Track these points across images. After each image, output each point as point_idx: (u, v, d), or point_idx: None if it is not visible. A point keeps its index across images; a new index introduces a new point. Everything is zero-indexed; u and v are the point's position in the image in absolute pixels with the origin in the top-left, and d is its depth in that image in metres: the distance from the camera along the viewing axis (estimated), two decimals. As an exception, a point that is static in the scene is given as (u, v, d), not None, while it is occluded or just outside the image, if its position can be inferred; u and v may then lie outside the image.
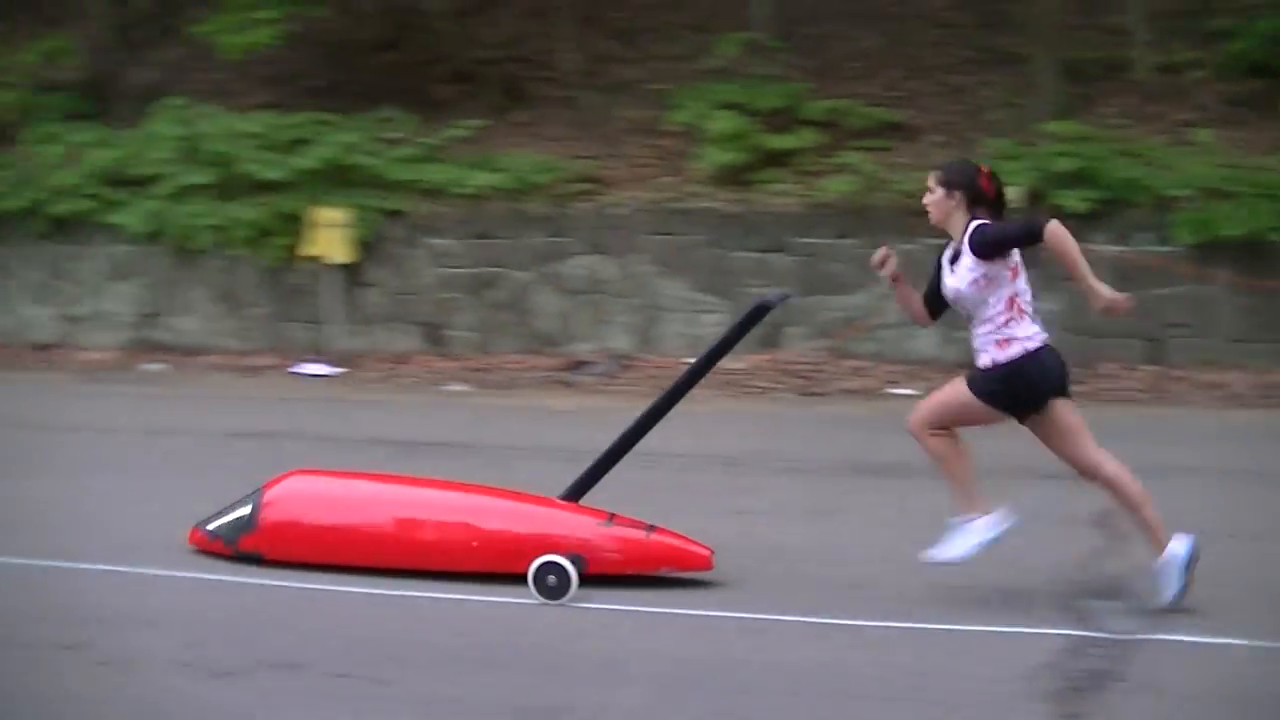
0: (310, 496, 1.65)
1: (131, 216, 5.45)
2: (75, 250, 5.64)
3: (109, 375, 5.34)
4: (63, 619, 1.90)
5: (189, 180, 5.37)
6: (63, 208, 5.55)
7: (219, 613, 1.93)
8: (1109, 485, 1.28)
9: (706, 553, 1.53)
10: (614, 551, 1.42)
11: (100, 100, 6.22)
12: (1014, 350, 1.31)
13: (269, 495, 1.65)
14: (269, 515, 1.61)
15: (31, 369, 5.48)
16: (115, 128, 5.78)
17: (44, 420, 2.74)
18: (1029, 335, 1.32)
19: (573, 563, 1.37)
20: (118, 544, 2.19)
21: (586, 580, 1.44)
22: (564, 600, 1.45)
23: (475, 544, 1.40)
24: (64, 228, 5.61)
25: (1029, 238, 1.25)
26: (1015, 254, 1.37)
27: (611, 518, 1.52)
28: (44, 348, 5.71)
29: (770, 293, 2.18)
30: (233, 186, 5.34)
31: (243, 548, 1.65)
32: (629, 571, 1.46)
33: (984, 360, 1.27)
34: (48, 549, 2.15)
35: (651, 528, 1.53)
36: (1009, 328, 1.25)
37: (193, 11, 6.11)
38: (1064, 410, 1.29)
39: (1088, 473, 1.28)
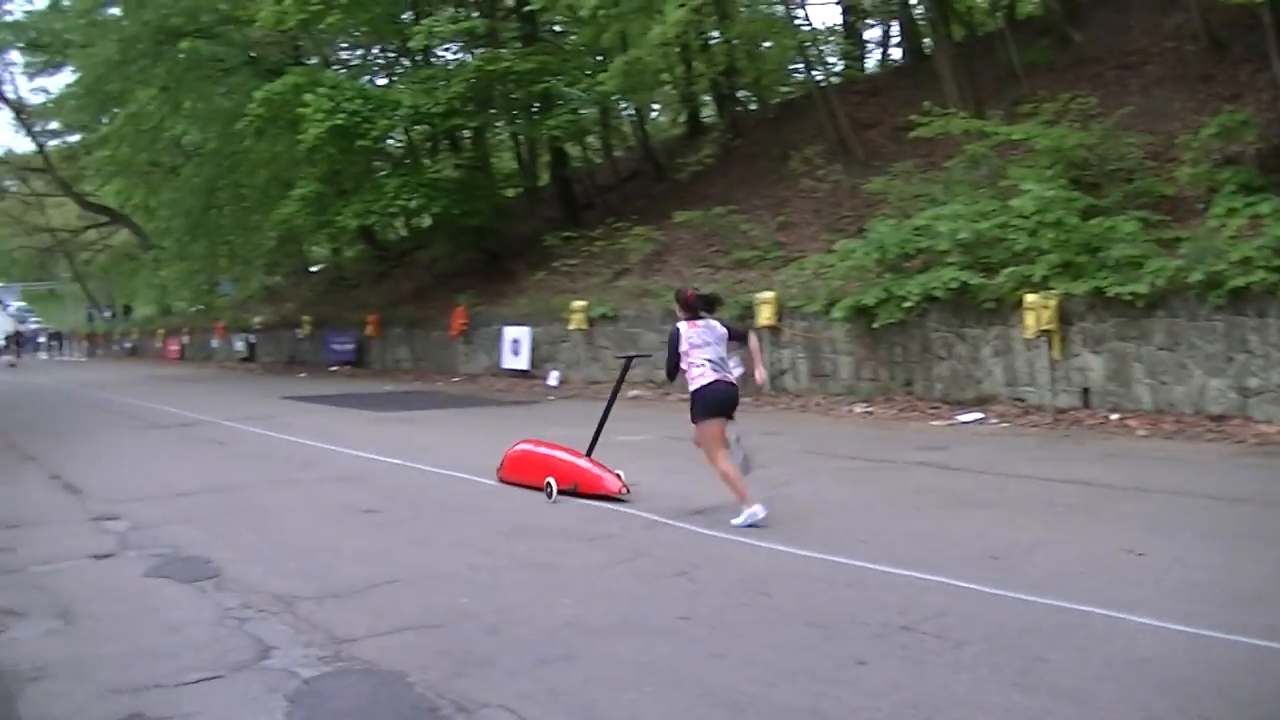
0: (520, 453, 15.56)
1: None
2: (1254, 322, 16.92)
3: (1281, 450, 16.12)
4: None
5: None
6: (1242, 280, 17.11)
7: None
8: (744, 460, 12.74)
9: (618, 484, 13.95)
10: (582, 479, 14.26)
11: (1278, 171, 17.58)
12: (692, 387, 12.60)
13: (508, 452, 15.78)
14: (504, 461, 15.72)
15: (1203, 440, 16.93)
16: (1293, 199, 16.88)
17: (1211, 489, 11.34)
18: (705, 369, 12.48)
19: (574, 486, 14.26)
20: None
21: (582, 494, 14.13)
22: (553, 499, 14.20)
23: (543, 475, 14.61)
24: (1242, 300, 16.93)
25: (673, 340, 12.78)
26: (682, 343, 12.54)
27: (596, 464, 14.37)
28: (1217, 419, 17.17)
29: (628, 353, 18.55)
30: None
31: (499, 477, 15.70)
32: (588, 491, 14.01)
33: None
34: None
35: (608, 470, 14.16)
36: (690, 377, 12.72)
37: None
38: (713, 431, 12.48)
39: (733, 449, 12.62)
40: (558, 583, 9.92)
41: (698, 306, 12.61)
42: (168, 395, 34.87)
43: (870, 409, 21.14)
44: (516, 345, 33.13)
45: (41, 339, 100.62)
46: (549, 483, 14.14)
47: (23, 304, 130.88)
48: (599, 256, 32.81)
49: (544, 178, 47.09)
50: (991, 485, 13.87)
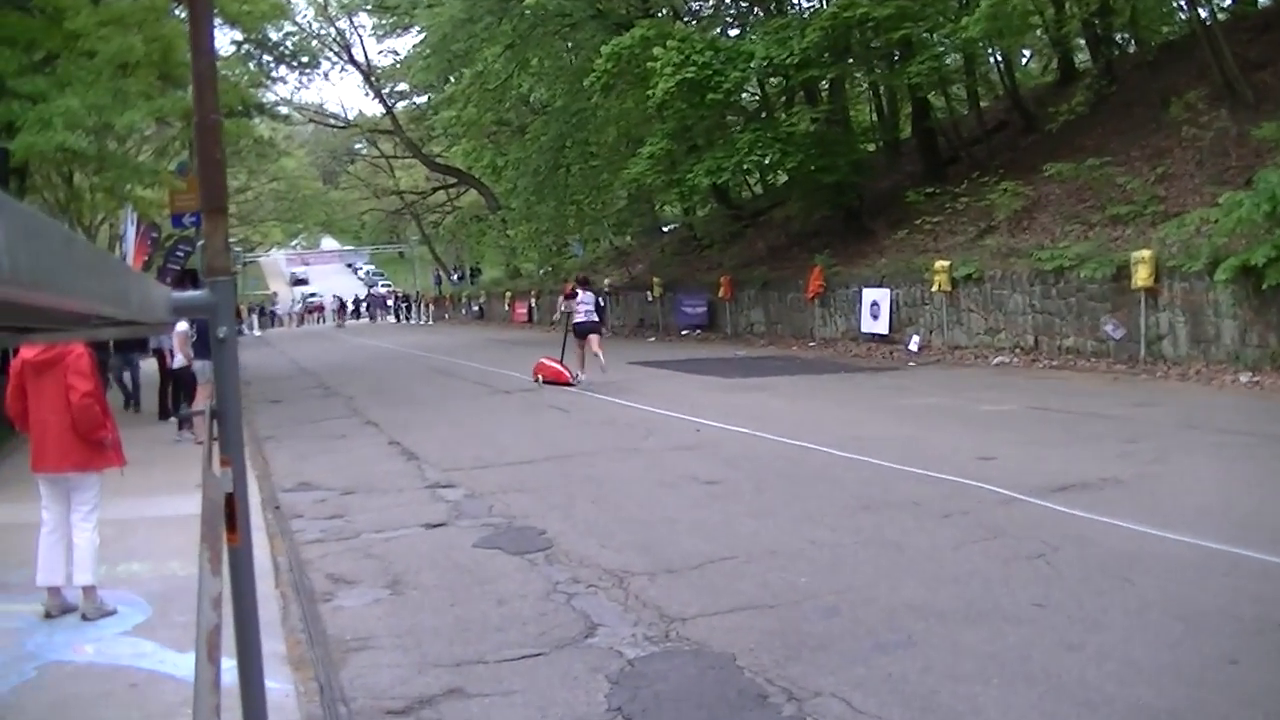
0: (537, 364, 28.93)
1: None
2: None
3: None
4: None
5: None
6: None
7: None
8: (597, 358, 27.22)
9: (568, 375, 27.42)
10: (548, 371, 28.33)
11: None
12: (577, 318, 28.66)
13: (536, 364, 29.45)
14: (537, 370, 29.09)
15: None
16: None
17: None
18: (580, 314, 28.26)
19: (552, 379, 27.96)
20: None
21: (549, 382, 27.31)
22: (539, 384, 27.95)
23: (538, 373, 28.80)
24: None
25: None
26: (576, 301, 28.26)
27: (565, 366, 27.90)
28: None
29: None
30: None
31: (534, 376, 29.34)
32: (555, 380, 27.46)
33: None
34: None
35: (567, 368, 27.53)
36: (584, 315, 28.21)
37: None
38: (592, 339, 27.66)
39: (593, 355, 27.32)
40: (904, 562, 9.80)
41: (583, 284, 28.51)
42: (512, 360, 35.71)
43: (1256, 378, 20.14)
44: (876, 308, 32.97)
45: (390, 302, 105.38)
46: (538, 377, 27.80)
47: (372, 267, 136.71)
48: (963, 213, 32.28)
49: (905, 130, 46.42)
50: (1395, 464, 13.19)
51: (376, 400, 26.78)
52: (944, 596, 8.70)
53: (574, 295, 28.36)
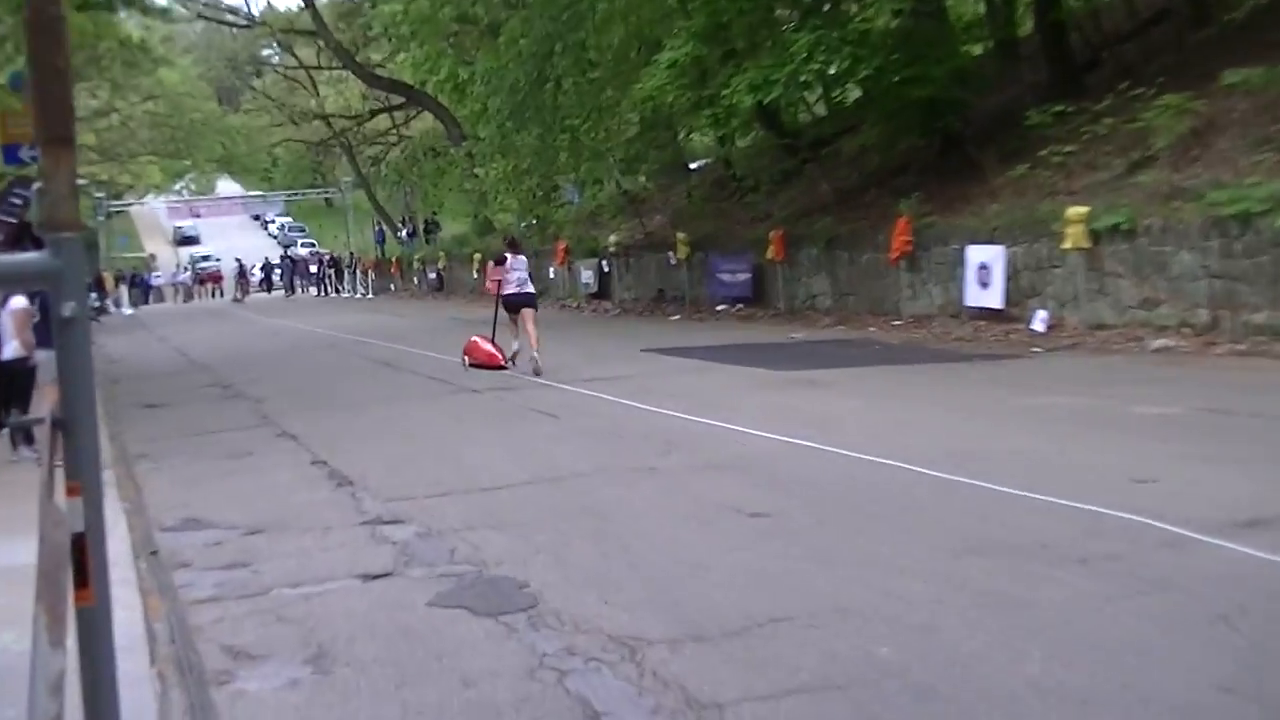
0: (468, 342, 34.14)
1: None
2: None
3: None
4: None
5: None
6: None
7: None
8: (530, 338, 31.25)
9: (501, 358, 32.28)
10: (479, 353, 33.40)
11: None
12: (508, 289, 32.76)
13: (466, 344, 34.62)
14: (466, 350, 34.06)
15: None
16: None
17: None
18: (511, 284, 32.56)
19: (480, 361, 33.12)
20: None
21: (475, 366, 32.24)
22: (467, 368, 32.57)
23: (465, 354, 34.07)
24: None
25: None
26: (507, 270, 32.83)
27: (492, 343, 32.97)
28: None
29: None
30: None
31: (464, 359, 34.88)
32: (485, 363, 32.16)
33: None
34: None
35: (500, 350, 32.43)
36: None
37: None
38: (527, 314, 31.82)
39: (530, 336, 31.43)
40: (1026, 625, 9.62)
41: (512, 247, 32.41)
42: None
43: None
44: (985, 273, 32.82)
45: (314, 268, 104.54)
46: (464, 358, 31.94)
47: (288, 220, 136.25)
48: (1107, 140, 31.85)
49: (1025, 25, 45.98)
50: None
51: (295, 404, 26.77)
52: (1084, 675, 8.50)
53: (502, 261, 32.49)
